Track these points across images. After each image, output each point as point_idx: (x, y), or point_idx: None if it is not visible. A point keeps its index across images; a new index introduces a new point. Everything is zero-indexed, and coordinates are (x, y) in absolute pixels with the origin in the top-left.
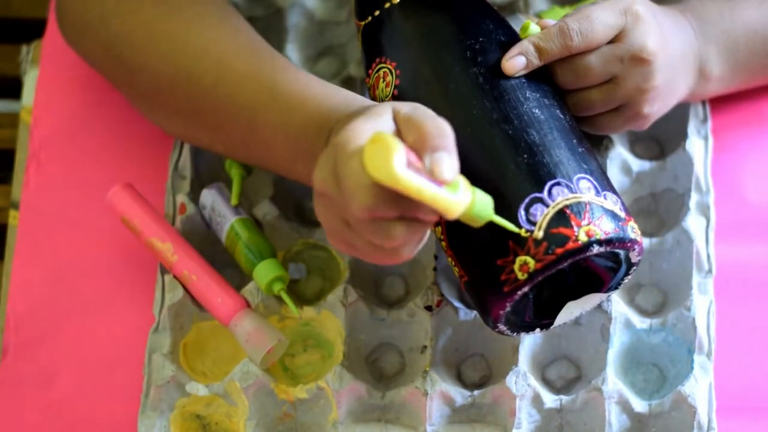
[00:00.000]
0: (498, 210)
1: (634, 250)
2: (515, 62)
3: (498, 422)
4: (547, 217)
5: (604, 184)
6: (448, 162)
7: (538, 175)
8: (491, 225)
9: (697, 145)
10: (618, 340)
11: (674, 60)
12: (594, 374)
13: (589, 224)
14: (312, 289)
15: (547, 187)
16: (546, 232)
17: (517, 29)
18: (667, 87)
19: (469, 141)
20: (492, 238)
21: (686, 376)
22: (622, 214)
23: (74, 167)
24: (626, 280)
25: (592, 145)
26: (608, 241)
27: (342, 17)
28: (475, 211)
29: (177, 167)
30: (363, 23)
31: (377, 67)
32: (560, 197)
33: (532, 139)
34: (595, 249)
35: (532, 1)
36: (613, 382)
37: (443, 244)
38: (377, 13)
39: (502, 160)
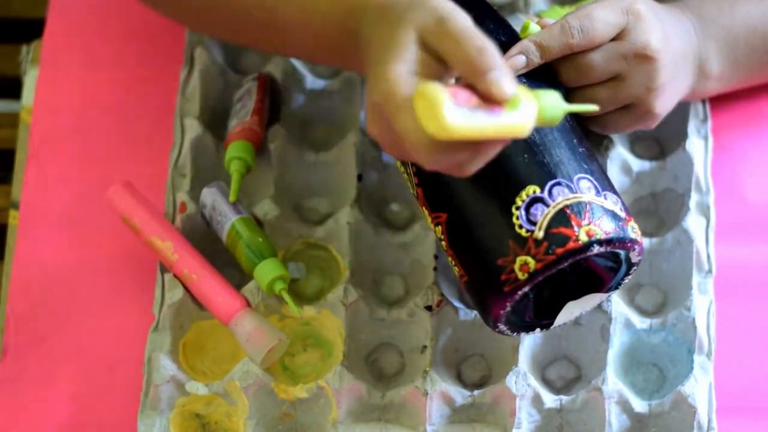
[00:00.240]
0: (498, 210)
1: (634, 250)
2: (515, 61)
3: (498, 422)
4: (548, 217)
5: (605, 184)
6: (503, 80)
7: (539, 174)
8: (491, 225)
9: (697, 144)
10: (618, 340)
11: (676, 58)
12: (594, 374)
13: (589, 224)
14: (312, 288)
15: (547, 187)
16: (546, 232)
17: (517, 29)
18: (672, 85)
19: None
20: (492, 238)
21: (686, 376)
22: (623, 214)
23: (74, 167)
24: (626, 280)
25: (593, 145)
26: (608, 241)
27: None
28: (547, 116)
29: (177, 165)
30: None
31: None
32: (561, 197)
33: (533, 139)
34: (596, 249)
35: (532, 0)
36: (613, 382)
37: (443, 243)
38: None
39: (502, 160)
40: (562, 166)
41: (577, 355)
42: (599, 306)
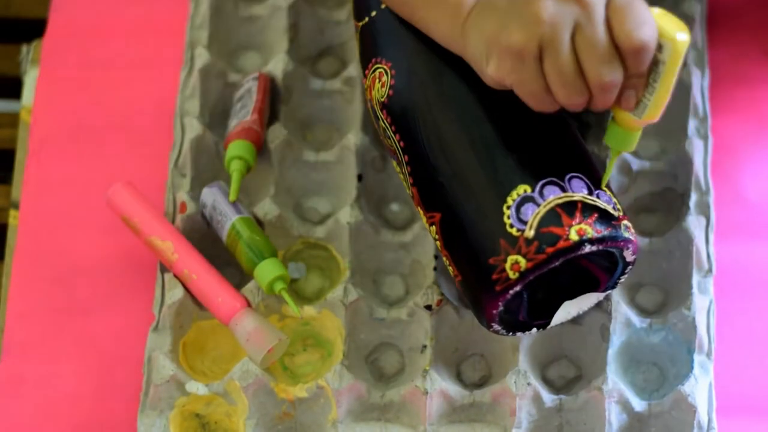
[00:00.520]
0: (489, 209)
1: (627, 248)
2: None
3: (498, 422)
4: (538, 216)
5: (597, 182)
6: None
7: (530, 173)
8: (483, 225)
9: (697, 144)
10: (618, 339)
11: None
12: (594, 374)
13: (580, 223)
14: (312, 288)
15: (538, 186)
16: (537, 231)
17: None
18: None
19: (461, 138)
20: (484, 237)
21: (686, 375)
22: (615, 213)
23: (74, 167)
24: (622, 280)
25: (592, 143)
26: (600, 240)
27: (342, 17)
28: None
29: (177, 165)
30: (360, 24)
31: (373, 68)
32: (552, 196)
33: (525, 138)
34: (587, 248)
35: None
36: (613, 382)
37: (438, 243)
38: (374, 13)
39: (494, 158)
40: (554, 165)
41: (577, 355)
42: (599, 305)
